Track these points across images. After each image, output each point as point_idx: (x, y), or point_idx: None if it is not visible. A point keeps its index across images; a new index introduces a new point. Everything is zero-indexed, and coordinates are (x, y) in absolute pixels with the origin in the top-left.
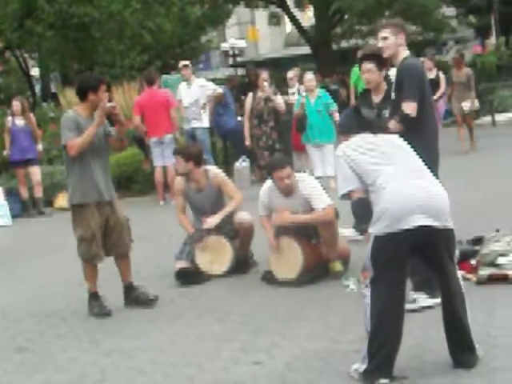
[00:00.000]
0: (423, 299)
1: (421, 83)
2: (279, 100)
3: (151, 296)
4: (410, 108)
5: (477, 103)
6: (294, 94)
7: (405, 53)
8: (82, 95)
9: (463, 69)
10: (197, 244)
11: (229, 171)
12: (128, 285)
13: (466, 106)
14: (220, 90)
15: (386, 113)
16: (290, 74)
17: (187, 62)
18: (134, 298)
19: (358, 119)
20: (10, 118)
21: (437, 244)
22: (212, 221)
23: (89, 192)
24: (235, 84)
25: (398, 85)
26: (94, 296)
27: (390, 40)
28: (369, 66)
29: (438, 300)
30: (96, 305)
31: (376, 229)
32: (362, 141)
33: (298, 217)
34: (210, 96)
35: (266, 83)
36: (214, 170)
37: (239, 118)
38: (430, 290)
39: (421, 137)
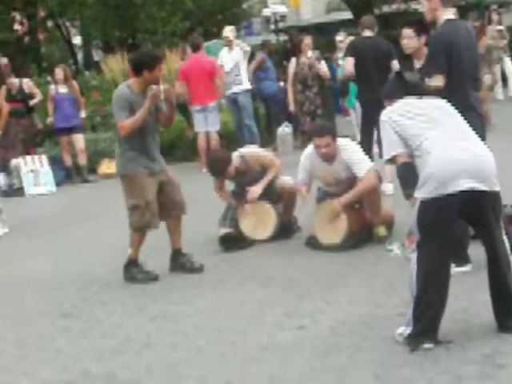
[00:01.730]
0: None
1: (446, 52)
2: (323, 65)
3: (197, 264)
4: (436, 81)
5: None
6: (342, 58)
7: (443, 17)
8: (137, 71)
9: (483, 39)
10: (240, 209)
11: (271, 136)
12: (177, 250)
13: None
14: (247, 48)
15: None
16: (340, 37)
17: (230, 31)
18: (180, 264)
19: (401, 84)
20: (52, 86)
21: (483, 207)
22: (254, 191)
23: (140, 163)
24: (271, 48)
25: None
26: (134, 263)
27: (425, 5)
28: (407, 31)
29: (465, 268)
30: (138, 271)
31: (422, 193)
32: (406, 105)
33: (346, 197)
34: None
35: (309, 50)
36: (247, 153)
37: (281, 84)
38: (457, 259)
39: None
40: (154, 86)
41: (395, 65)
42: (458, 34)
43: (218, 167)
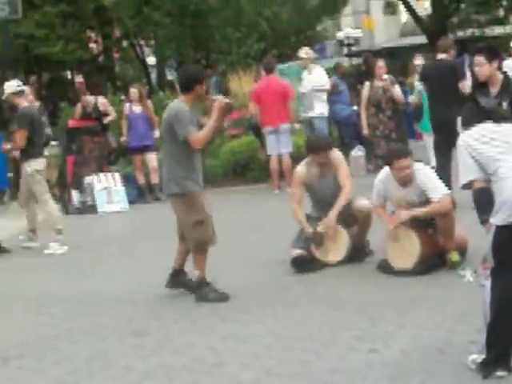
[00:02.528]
0: None
1: None
2: (397, 89)
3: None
4: None
5: None
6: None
7: None
8: (189, 86)
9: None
10: (316, 247)
11: (345, 160)
12: (181, 270)
13: None
14: (327, 85)
15: (505, 103)
16: (418, 60)
17: (304, 54)
18: (183, 282)
19: (477, 109)
20: (127, 105)
21: None
22: (329, 222)
23: (194, 180)
24: (344, 71)
25: None
26: (206, 282)
27: None
28: (478, 58)
29: None
30: (210, 289)
31: (497, 219)
32: (483, 130)
33: (416, 211)
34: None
35: (383, 73)
36: (335, 152)
37: (354, 107)
38: None
39: None
40: (218, 99)
41: (465, 86)
42: None
43: (320, 143)
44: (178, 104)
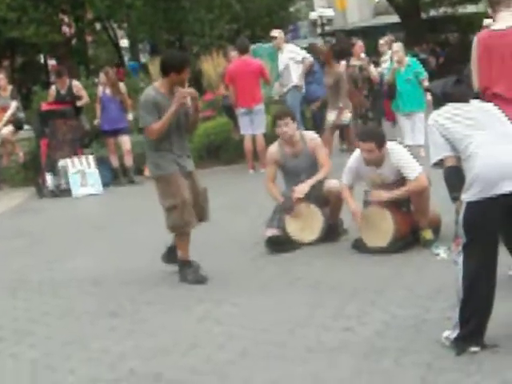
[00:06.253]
0: None
1: None
2: (373, 69)
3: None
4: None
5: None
6: (385, 61)
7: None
8: (165, 73)
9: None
10: (287, 213)
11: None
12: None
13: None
14: (311, 58)
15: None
16: (382, 41)
17: (276, 33)
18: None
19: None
20: (100, 88)
21: None
22: (301, 189)
23: (171, 159)
24: (318, 51)
25: None
26: (187, 263)
27: None
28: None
29: None
30: (190, 271)
31: (468, 195)
32: (453, 109)
33: (393, 193)
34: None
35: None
36: (310, 135)
37: None
38: None
39: None
40: (181, 89)
41: None
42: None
43: (283, 110)
44: (149, 90)
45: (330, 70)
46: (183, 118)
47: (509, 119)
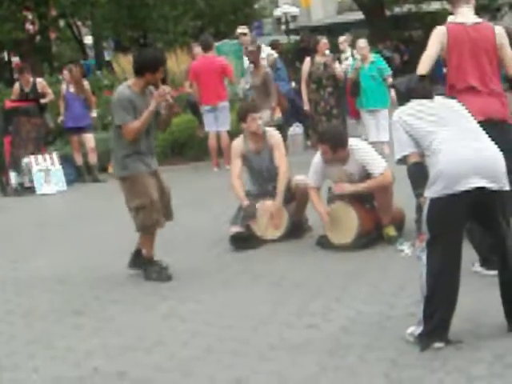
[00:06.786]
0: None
1: None
2: (337, 66)
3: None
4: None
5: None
6: (347, 58)
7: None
8: (139, 72)
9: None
10: (248, 221)
11: (282, 136)
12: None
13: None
14: (275, 55)
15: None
16: (341, 39)
17: (245, 30)
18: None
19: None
20: (64, 86)
21: (492, 206)
22: (273, 205)
23: (140, 160)
24: (281, 48)
25: None
26: (151, 261)
27: None
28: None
29: (493, 272)
30: (154, 270)
31: (432, 191)
32: (417, 105)
33: (357, 186)
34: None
35: (326, 50)
36: (271, 131)
37: (293, 84)
38: (488, 262)
39: None
40: (161, 88)
41: None
42: None
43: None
44: (122, 89)
45: (257, 70)
46: (153, 119)
47: (486, 109)
